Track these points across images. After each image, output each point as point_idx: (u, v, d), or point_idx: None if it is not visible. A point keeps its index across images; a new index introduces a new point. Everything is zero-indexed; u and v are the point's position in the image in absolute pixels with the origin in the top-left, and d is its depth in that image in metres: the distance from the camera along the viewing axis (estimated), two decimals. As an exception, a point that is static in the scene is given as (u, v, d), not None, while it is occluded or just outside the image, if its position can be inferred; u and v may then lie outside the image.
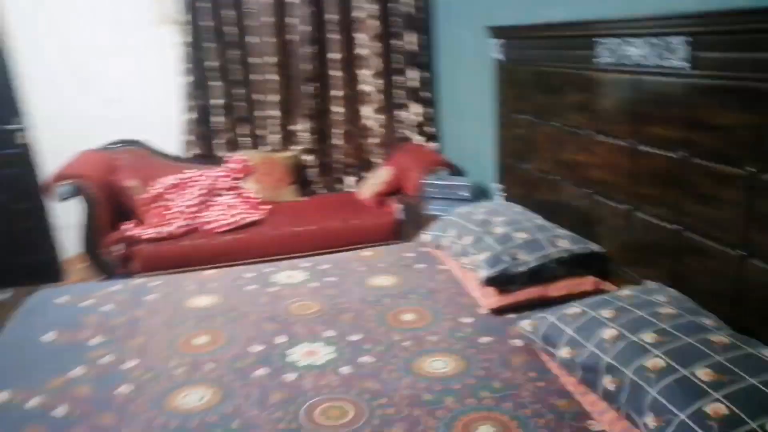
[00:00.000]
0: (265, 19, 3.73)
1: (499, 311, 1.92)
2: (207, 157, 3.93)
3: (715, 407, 1.15)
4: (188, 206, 3.36)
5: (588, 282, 2.00)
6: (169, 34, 3.79)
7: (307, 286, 2.24)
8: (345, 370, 1.65)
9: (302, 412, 1.46)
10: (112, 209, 3.13)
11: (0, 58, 3.49)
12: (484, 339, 1.77)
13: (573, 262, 2.00)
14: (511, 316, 1.89)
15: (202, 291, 2.22)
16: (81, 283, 2.49)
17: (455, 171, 3.41)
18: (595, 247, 2.06)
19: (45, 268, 3.71)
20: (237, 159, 3.82)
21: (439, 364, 1.65)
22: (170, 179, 3.55)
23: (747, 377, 1.20)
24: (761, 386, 1.18)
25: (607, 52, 1.93)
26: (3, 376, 1.66)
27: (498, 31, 2.72)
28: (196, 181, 3.63)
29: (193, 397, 1.53)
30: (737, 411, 1.13)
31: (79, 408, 1.50)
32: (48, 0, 3.69)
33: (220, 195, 3.61)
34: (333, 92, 3.96)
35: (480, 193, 3.07)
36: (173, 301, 2.15)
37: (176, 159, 3.86)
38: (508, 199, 2.73)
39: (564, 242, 2.03)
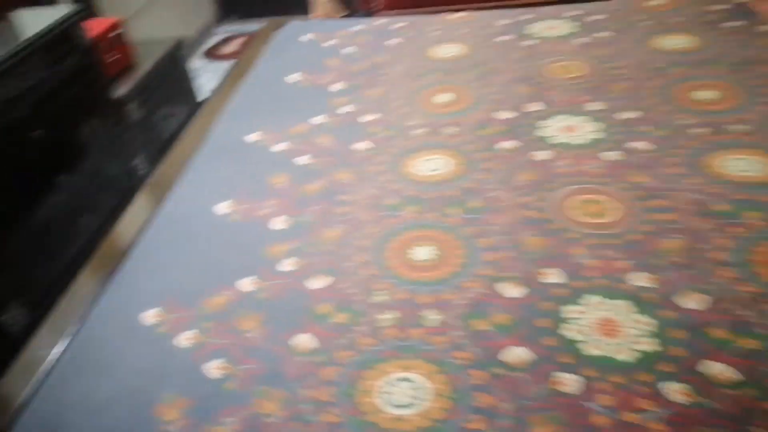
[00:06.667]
0: None
1: None
2: None
3: None
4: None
5: None
6: None
7: (571, 41, 1.86)
8: (611, 155, 1.36)
9: (553, 201, 1.26)
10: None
11: None
12: None
13: None
14: None
15: (447, 38, 2.01)
16: (325, 20, 2.55)
17: None
18: None
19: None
20: None
21: (743, 164, 1.26)
22: None
23: None
24: None
25: None
26: (255, 116, 1.71)
27: None
28: None
29: (432, 164, 1.42)
30: None
31: (320, 159, 1.50)
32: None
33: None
34: None
35: None
36: (416, 48, 1.98)
37: None
38: None
39: None
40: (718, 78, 1.55)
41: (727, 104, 1.44)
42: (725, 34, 1.74)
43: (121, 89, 2.51)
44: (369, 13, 2.89)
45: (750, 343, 0.91)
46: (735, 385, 0.87)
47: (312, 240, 1.24)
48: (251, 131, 1.63)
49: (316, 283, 1.13)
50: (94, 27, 2.42)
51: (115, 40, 2.54)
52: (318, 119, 1.64)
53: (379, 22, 2.21)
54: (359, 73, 1.86)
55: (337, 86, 1.80)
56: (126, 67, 2.63)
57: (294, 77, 1.88)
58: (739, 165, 1.25)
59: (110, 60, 2.49)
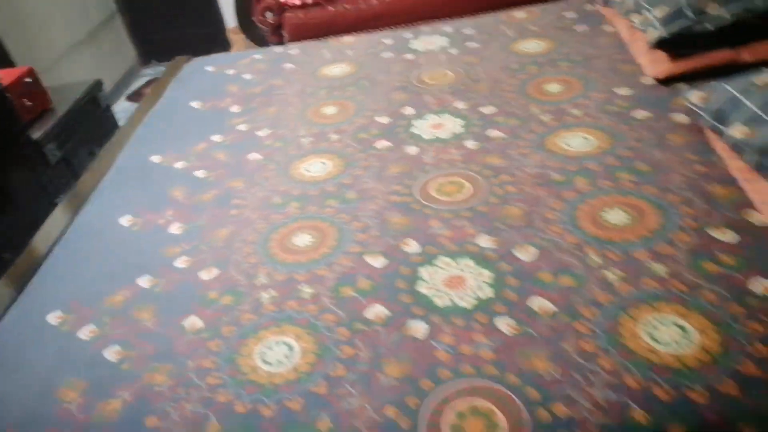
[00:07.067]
0: None
1: (668, 81, 1.59)
2: None
3: None
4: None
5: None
6: None
7: (446, 52, 2.08)
8: (470, 144, 1.55)
9: (418, 186, 1.44)
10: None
11: None
12: (641, 113, 1.52)
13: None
14: (683, 86, 1.53)
15: (338, 59, 2.20)
16: (230, 53, 2.69)
17: None
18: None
19: (212, 39, 4.13)
20: None
21: (578, 141, 1.47)
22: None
23: None
24: None
25: None
26: (159, 140, 1.86)
27: None
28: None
29: (316, 167, 1.58)
30: None
31: (215, 172, 1.65)
32: None
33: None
34: None
35: None
36: (308, 70, 2.16)
37: None
38: None
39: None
40: (564, 73, 1.76)
41: (569, 94, 1.65)
42: (574, 36, 1.97)
43: (39, 132, 2.58)
44: (278, 44, 3.02)
45: (567, 281, 1.09)
46: (552, 315, 1.03)
47: (205, 240, 1.37)
48: (155, 153, 1.76)
49: (207, 275, 1.26)
50: (6, 75, 2.50)
51: (29, 86, 2.62)
52: (216, 138, 1.79)
53: (277, 50, 2.37)
54: (256, 95, 2.01)
55: (235, 108, 1.95)
56: (43, 110, 2.71)
57: (196, 104, 2.02)
58: (574, 142, 1.45)
59: (25, 105, 2.57)
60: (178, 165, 1.67)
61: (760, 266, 1.04)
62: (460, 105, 1.70)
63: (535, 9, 2.23)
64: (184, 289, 1.23)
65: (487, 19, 2.24)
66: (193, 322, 1.14)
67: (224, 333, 1.11)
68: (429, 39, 2.16)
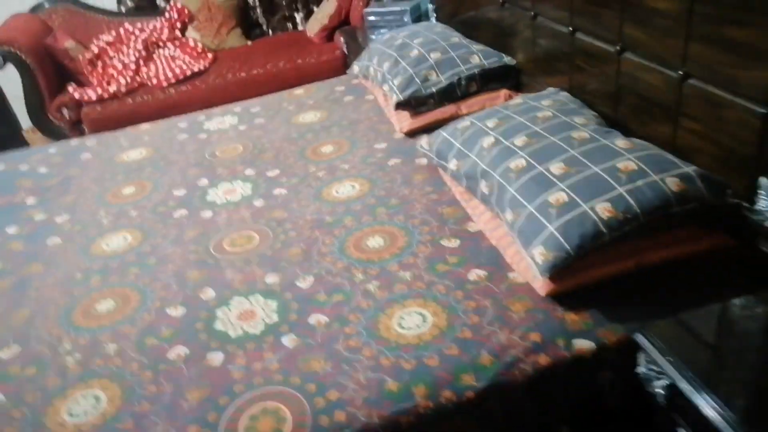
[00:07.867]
0: None
1: (413, 134, 2.02)
2: (144, 9, 3.82)
3: (558, 196, 1.28)
4: (130, 62, 3.42)
5: (501, 96, 2.03)
6: None
7: (236, 129, 2.34)
8: (258, 203, 1.79)
9: (212, 244, 1.62)
10: (53, 74, 3.30)
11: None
12: (393, 161, 1.90)
13: (486, 77, 2.05)
14: (424, 136, 1.90)
15: (134, 145, 2.35)
16: (21, 150, 2.58)
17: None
18: (506, 59, 2.08)
19: (8, 140, 3.48)
20: (175, 7, 3.70)
21: (346, 189, 1.77)
22: (108, 36, 3.56)
23: (592, 166, 1.31)
24: (602, 172, 1.29)
25: None
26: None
27: None
28: (134, 34, 3.62)
29: (117, 242, 1.69)
30: (574, 197, 1.26)
31: (11, 261, 1.69)
32: None
33: (161, 47, 3.61)
34: None
35: (422, 17, 2.99)
36: (106, 157, 2.30)
37: (113, 13, 3.78)
38: (438, 18, 2.73)
39: (476, 58, 2.08)
40: (335, 136, 2.08)
41: (339, 153, 1.96)
42: (343, 105, 2.34)
43: None
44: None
45: (338, 297, 1.32)
46: (326, 325, 1.25)
47: (2, 323, 1.40)
48: (-58, 254, 1.73)
49: (7, 353, 1.31)
50: None
51: None
52: (11, 230, 1.82)
53: (73, 143, 2.45)
54: (52, 186, 2.07)
55: (30, 200, 1.98)
56: None
57: (-15, 203, 2.01)
58: (343, 190, 1.73)
59: None
60: (-33, 263, 1.68)
61: (475, 261, 1.37)
62: (249, 172, 1.94)
63: (312, 86, 2.57)
64: (-18, 372, 1.26)
65: (272, 98, 2.53)
66: (-7, 399, 1.19)
67: (28, 400, 1.17)
68: (221, 119, 2.39)
